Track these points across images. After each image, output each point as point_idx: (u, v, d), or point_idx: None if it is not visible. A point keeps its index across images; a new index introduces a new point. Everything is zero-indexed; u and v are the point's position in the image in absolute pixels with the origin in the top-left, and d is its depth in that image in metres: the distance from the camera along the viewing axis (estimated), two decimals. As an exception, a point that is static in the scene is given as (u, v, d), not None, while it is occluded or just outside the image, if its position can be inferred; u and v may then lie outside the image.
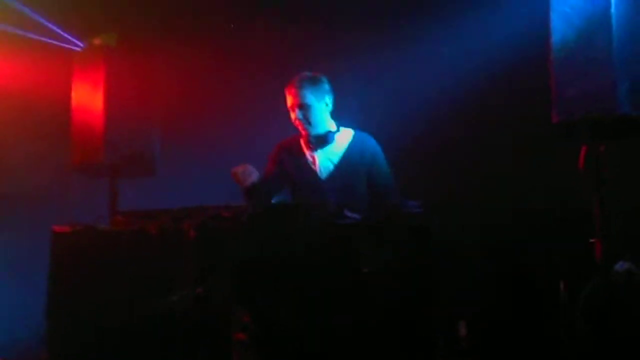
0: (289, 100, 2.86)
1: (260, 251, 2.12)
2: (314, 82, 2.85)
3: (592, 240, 2.56)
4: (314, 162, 2.89)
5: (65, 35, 3.56)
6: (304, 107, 2.81)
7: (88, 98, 3.40)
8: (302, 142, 2.94)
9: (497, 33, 3.34)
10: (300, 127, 2.87)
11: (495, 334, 2.80)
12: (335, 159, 2.88)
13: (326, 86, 2.88)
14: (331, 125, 2.91)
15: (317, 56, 3.60)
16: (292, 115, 2.87)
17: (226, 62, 3.96)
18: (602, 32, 2.42)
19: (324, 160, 2.89)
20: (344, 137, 2.90)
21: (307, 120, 2.83)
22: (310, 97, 2.81)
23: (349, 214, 2.22)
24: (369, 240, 2.02)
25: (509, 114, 3.31)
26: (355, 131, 2.94)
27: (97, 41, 3.48)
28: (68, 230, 2.53)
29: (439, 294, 2.11)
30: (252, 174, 2.61)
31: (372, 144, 2.90)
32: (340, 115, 2.97)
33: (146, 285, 2.27)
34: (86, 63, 3.46)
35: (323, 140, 2.86)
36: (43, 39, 3.62)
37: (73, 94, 3.46)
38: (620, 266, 2.52)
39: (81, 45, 3.55)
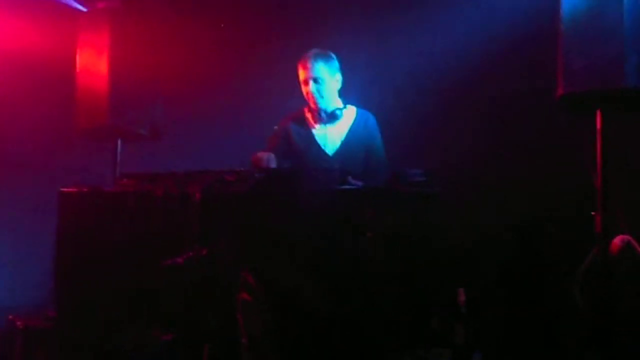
0: (302, 74, 2.90)
1: (265, 214, 2.15)
2: (327, 57, 2.92)
3: (592, 214, 2.58)
4: (321, 137, 2.94)
5: (68, 1, 3.52)
6: (317, 81, 2.87)
7: (93, 61, 3.37)
8: (308, 116, 2.99)
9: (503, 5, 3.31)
10: (311, 101, 2.91)
11: (493, 302, 2.86)
12: (341, 135, 2.94)
13: (337, 63, 2.95)
14: (339, 103, 2.97)
15: (323, 31, 3.59)
16: (305, 89, 2.91)
17: (233, 27, 3.93)
18: (613, 5, 2.40)
19: (331, 135, 2.94)
20: (349, 115, 2.97)
21: (319, 93, 2.88)
22: (323, 71, 2.88)
23: (352, 180, 2.25)
24: (372, 206, 2.04)
25: (512, 86, 3.30)
26: (357, 109, 3.00)
27: (101, 4, 3.44)
28: (74, 191, 2.55)
29: (440, 260, 2.14)
30: (272, 161, 2.66)
31: (372, 123, 2.97)
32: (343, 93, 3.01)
33: (151, 247, 2.31)
34: (91, 26, 3.42)
35: (332, 116, 2.91)
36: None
37: (78, 57, 3.43)
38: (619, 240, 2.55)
39: (85, 8, 3.50)
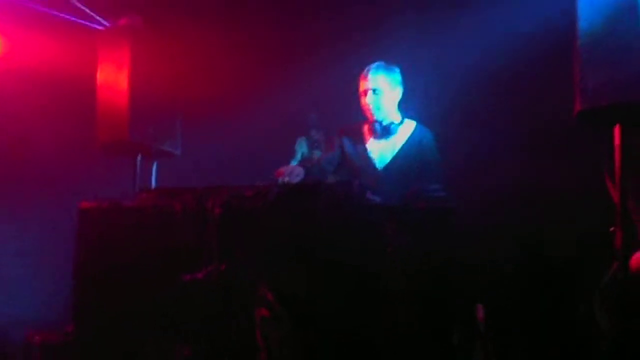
0: (362, 85, 2.89)
1: (283, 230, 2.16)
2: (390, 70, 2.90)
3: (612, 229, 2.55)
4: (373, 151, 2.93)
5: (90, 14, 3.58)
6: (376, 92, 2.85)
7: (113, 77, 3.42)
8: (365, 129, 2.98)
9: (524, 21, 3.32)
10: (368, 113, 2.90)
11: (512, 318, 2.83)
12: (395, 150, 2.91)
13: (399, 77, 2.92)
14: (396, 117, 2.95)
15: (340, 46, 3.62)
16: (362, 101, 2.90)
17: (251, 42, 3.97)
18: (630, 19, 2.40)
19: (384, 150, 2.92)
20: (406, 129, 2.94)
21: (376, 105, 2.86)
22: (383, 84, 2.86)
23: (370, 196, 2.25)
24: (391, 221, 2.04)
25: (532, 103, 3.30)
26: (417, 124, 2.96)
27: (122, 21, 3.50)
28: (94, 206, 2.58)
29: (459, 276, 2.13)
30: (296, 176, 2.64)
31: (429, 140, 2.92)
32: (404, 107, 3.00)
33: (171, 261, 2.32)
34: (111, 43, 3.48)
35: (386, 130, 2.89)
36: (69, 17, 3.64)
37: (98, 74, 3.48)
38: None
39: (106, 24, 3.57)
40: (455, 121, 3.40)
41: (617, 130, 2.52)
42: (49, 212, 4.08)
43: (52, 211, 4.03)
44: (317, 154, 3.63)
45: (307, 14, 3.90)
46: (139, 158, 3.49)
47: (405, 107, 2.99)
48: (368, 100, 2.86)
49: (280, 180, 2.57)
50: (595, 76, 2.42)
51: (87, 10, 3.55)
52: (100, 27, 3.56)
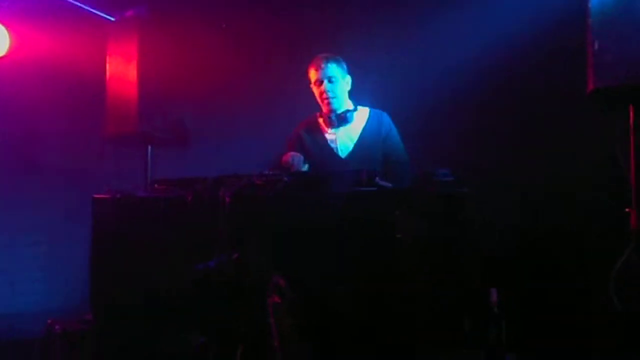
0: (314, 75, 2.93)
1: (294, 217, 2.16)
2: (337, 60, 2.95)
3: (627, 210, 2.53)
4: (333, 141, 2.96)
5: (97, 11, 3.60)
6: (331, 80, 2.90)
7: (122, 69, 3.45)
8: (320, 121, 3.01)
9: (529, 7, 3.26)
10: (325, 102, 2.94)
11: (526, 302, 2.82)
12: (354, 137, 2.94)
13: (345, 66, 2.98)
14: (349, 105, 2.99)
15: (341, 35, 3.61)
16: (318, 90, 2.94)
17: (259, 33, 3.96)
18: (642, -3, 2.36)
19: (343, 138, 2.95)
20: (361, 116, 2.98)
21: (333, 93, 2.91)
22: (336, 72, 2.91)
23: (380, 182, 2.25)
24: (401, 207, 2.04)
25: (541, 83, 3.25)
26: (370, 109, 3.01)
27: (129, 13, 3.51)
28: (108, 197, 2.61)
29: (471, 260, 2.13)
30: (300, 162, 2.74)
31: (387, 121, 2.97)
32: (355, 95, 3.03)
33: (184, 251, 2.35)
34: (120, 35, 3.50)
35: (343, 118, 2.93)
36: (78, 3, 3.65)
37: (107, 66, 3.52)
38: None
39: (114, 18, 3.58)
40: (456, 111, 3.37)
41: (631, 111, 2.50)
42: (62, 203, 4.13)
43: (65, 202, 4.08)
44: None
45: (312, 6, 3.88)
46: (149, 149, 3.52)
47: (359, 94, 3.03)
48: (325, 89, 2.90)
49: (286, 167, 2.61)
50: (607, 55, 2.39)
51: (93, 10, 3.56)
52: (109, 19, 3.57)
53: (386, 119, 2.97)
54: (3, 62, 4.00)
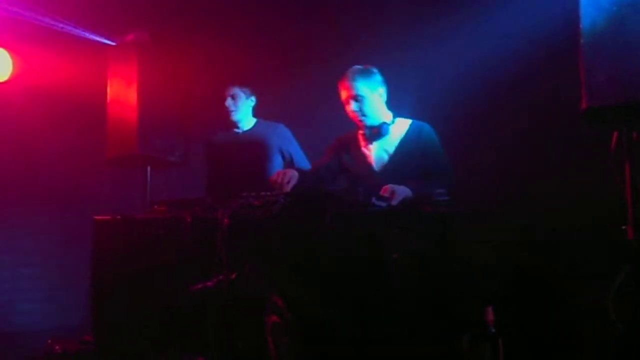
0: (343, 94, 2.86)
1: (292, 238, 2.18)
2: (367, 73, 2.84)
3: (623, 228, 2.53)
4: (369, 155, 2.89)
5: (97, 37, 3.66)
6: (358, 99, 2.81)
7: (122, 92, 3.50)
8: (359, 136, 2.95)
9: (526, 19, 3.31)
10: (355, 120, 2.87)
11: (522, 319, 2.81)
12: (390, 150, 2.86)
13: (378, 77, 2.87)
14: (387, 117, 2.90)
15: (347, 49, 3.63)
16: (347, 108, 2.88)
17: (255, 56, 4.02)
18: (633, 16, 2.39)
19: (379, 152, 2.88)
20: (401, 128, 2.88)
21: (361, 111, 2.83)
22: (363, 89, 2.81)
23: (376, 201, 2.27)
24: (398, 227, 2.05)
25: (537, 103, 3.28)
26: (412, 121, 2.91)
27: (129, 37, 3.57)
28: (108, 219, 2.63)
29: (466, 279, 2.13)
30: (292, 178, 2.62)
31: (427, 133, 2.85)
32: (398, 106, 2.95)
33: (182, 271, 2.36)
34: (120, 58, 3.56)
35: (378, 132, 2.85)
36: (79, 32, 3.71)
37: (108, 89, 3.56)
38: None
39: (115, 42, 3.64)
40: (451, 127, 3.38)
41: (624, 129, 2.52)
42: (62, 224, 4.15)
43: (64, 224, 4.10)
44: None
45: (311, 22, 3.94)
46: (148, 170, 3.55)
47: (399, 105, 2.94)
48: (352, 108, 2.83)
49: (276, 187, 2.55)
50: (600, 75, 2.42)
51: (93, 37, 3.62)
52: (110, 43, 3.63)
53: (426, 131, 2.85)
54: (5, 86, 4.06)
